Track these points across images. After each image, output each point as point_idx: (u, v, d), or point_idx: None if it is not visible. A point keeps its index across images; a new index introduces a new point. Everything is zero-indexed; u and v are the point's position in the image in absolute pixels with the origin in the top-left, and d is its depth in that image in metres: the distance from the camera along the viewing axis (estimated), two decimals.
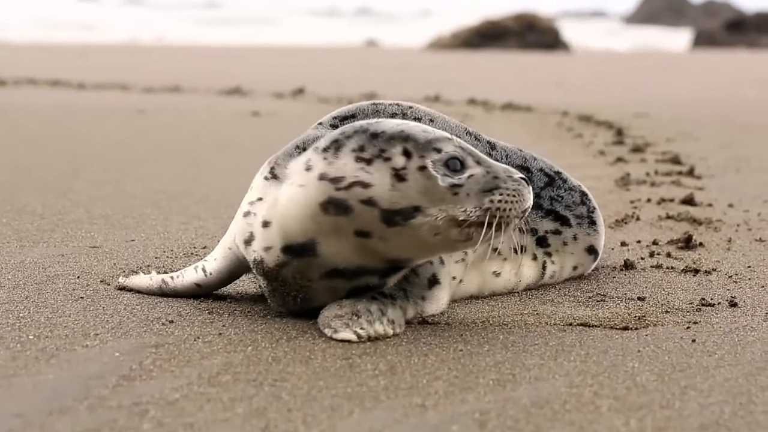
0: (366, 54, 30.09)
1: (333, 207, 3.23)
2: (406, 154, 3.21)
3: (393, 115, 3.86)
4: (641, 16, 68.62)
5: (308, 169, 3.31)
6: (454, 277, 3.73)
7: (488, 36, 34.59)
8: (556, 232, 4.10)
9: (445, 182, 3.19)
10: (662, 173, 7.37)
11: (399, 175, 3.19)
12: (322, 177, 3.26)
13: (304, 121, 4.83)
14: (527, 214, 3.28)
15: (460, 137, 3.92)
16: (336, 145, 3.29)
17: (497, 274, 3.94)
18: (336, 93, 13.56)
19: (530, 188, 3.28)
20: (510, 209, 3.21)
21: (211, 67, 20.40)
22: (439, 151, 3.22)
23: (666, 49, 41.41)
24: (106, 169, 7.19)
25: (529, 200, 3.27)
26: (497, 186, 3.21)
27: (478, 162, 3.26)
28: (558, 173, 4.22)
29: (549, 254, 4.09)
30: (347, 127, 3.35)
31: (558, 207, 4.12)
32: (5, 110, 10.96)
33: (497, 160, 3.99)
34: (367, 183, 3.20)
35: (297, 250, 3.33)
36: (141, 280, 3.86)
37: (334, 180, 3.24)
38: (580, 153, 8.60)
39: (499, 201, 3.20)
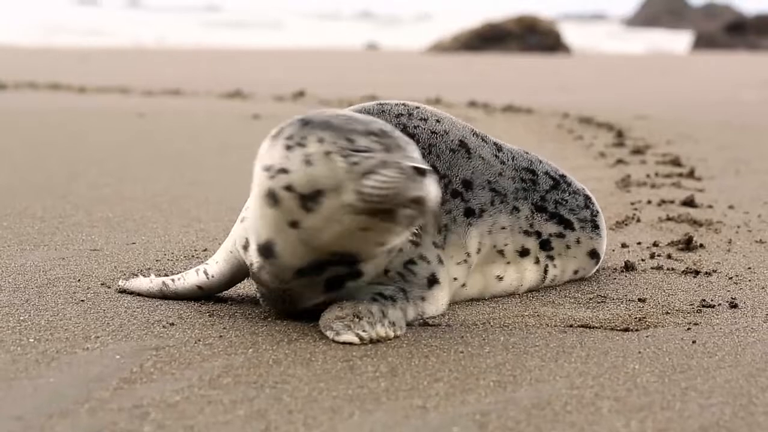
0: (367, 57, 30.09)
1: (269, 198, 3.26)
2: (320, 141, 3.21)
3: (399, 116, 3.84)
4: (641, 19, 68.62)
5: (260, 159, 3.35)
6: (455, 279, 3.73)
7: (489, 38, 34.55)
8: (560, 236, 4.09)
9: (342, 164, 3.15)
10: (662, 175, 7.36)
11: (308, 160, 3.19)
12: (263, 167, 3.30)
13: None
14: (427, 206, 3.11)
15: (466, 138, 3.91)
16: (277, 134, 3.33)
17: (500, 278, 3.94)
18: (337, 96, 13.55)
19: (428, 180, 3.12)
20: (381, 194, 3.09)
21: (212, 69, 20.41)
22: (351, 141, 3.19)
23: (666, 51, 41.40)
24: (106, 172, 7.19)
25: (418, 191, 3.08)
26: (374, 171, 3.12)
27: (388, 150, 3.17)
28: (563, 177, 4.21)
29: (551, 258, 4.08)
30: (295, 117, 3.37)
31: (562, 210, 4.11)
32: (6, 113, 10.96)
33: (503, 162, 3.98)
34: (286, 169, 3.22)
35: (263, 251, 3.37)
36: (141, 283, 3.86)
37: (268, 168, 3.27)
38: (581, 155, 8.60)
39: (372, 186, 3.10)
